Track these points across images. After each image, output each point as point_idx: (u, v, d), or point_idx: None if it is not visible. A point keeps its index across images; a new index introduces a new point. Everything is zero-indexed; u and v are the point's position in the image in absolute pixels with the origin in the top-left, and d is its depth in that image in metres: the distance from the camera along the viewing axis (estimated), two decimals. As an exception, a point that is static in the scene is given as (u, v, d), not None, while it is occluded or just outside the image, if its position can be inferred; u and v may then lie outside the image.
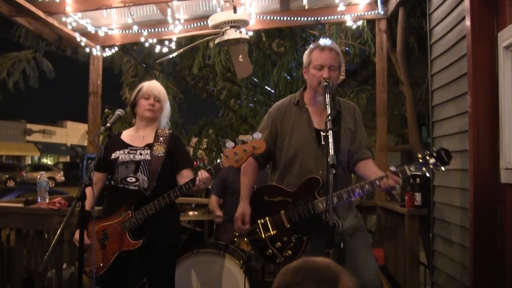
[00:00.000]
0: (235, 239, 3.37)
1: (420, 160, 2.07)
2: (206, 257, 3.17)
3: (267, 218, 2.34)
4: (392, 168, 2.10)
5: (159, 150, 2.50)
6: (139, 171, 2.45)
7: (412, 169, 2.08)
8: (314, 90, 2.33)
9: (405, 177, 2.10)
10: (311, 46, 2.39)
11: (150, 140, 2.55)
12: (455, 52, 2.84)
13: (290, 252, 2.27)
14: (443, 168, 2.05)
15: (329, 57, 2.28)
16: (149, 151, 2.50)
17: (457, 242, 2.80)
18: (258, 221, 2.36)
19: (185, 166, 2.55)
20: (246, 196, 2.42)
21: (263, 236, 2.33)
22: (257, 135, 2.16)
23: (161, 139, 2.55)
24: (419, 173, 2.09)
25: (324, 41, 2.35)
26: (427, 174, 2.10)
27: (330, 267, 1.08)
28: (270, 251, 2.31)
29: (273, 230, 2.31)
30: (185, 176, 2.49)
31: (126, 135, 2.61)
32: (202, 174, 2.28)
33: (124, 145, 2.53)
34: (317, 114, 2.36)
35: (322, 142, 2.10)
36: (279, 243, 2.29)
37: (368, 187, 2.16)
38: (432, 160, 2.04)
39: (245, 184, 2.45)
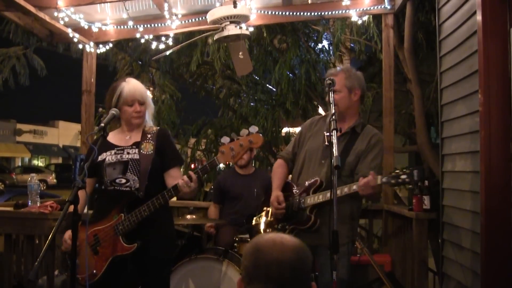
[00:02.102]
0: (235, 244, 3.31)
1: (393, 174, 2.28)
2: (204, 263, 3.13)
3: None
4: (371, 174, 2.29)
5: (148, 148, 2.44)
6: (128, 171, 2.38)
7: (384, 180, 2.28)
8: None
9: (374, 184, 2.26)
10: None
11: (138, 138, 2.49)
12: (466, 49, 2.80)
13: None
14: (410, 186, 2.32)
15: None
16: (137, 149, 2.43)
17: (467, 248, 2.76)
18: (265, 208, 2.76)
19: (174, 165, 2.49)
20: (278, 186, 2.67)
21: (263, 220, 2.70)
22: (253, 128, 2.15)
23: (148, 136, 2.48)
24: (389, 184, 2.30)
25: (335, 68, 2.75)
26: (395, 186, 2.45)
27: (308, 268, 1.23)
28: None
29: (270, 217, 2.68)
30: (173, 175, 2.43)
31: (112, 136, 2.53)
32: (186, 177, 2.27)
33: (111, 146, 2.46)
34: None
35: (326, 143, 2.44)
36: (270, 229, 2.63)
37: (345, 189, 2.39)
38: (403, 176, 2.23)
39: (275, 179, 2.71)
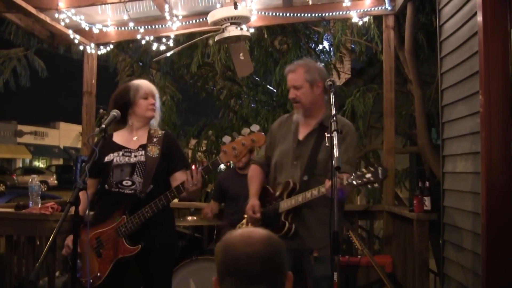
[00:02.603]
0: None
1: (358, 173, 2.20)
2: (205, 264, 3.14)
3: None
4: (340, 176, 2.20)
5: (154, 151, 2.44)
6: (135, 173, 2.38)
7: (349, 180, 2.21)
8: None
9: (339, 186, 2.14)
10: None
11: (144, 141, 2.49)
12: (466, 50, 2.79)
13: None
14: (376, 185, 2.21)
15: (291, 78, 2.52)
16: (143, 152, 2.44)
17: (468, 249, 2.75)
18: (245, 215, 2.62)
19: (179, 168, 2.48)
20: (255, 193, 2.58)
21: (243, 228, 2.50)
22: (255, 127, 2.15)
23: (154, 140, 2.49)
24: (356, 185, 2.22)
25: (294, 63, 2.61)
26: (361, 187, 2.30)
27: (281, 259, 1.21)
28: None
29: (247, 225, 2.62)
30: (178, 179, 2.42)
31: (118, 137, 2.53)
32: (194, 173, 2.25)
33: (118, 147, 2.46)
34: (305, 127, 2.55)
35: (327, 144, 2.23)
36: None
37: (315, 192, 2.32)
38: (368, 175, 2.17)
39: (251, 185, 2.63)
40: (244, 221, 2.72)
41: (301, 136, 2.53)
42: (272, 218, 2.46)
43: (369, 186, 2.22)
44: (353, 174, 2.21)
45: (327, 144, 2.13)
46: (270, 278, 1.16)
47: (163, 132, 2.57)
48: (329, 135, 2.10)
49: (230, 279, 1.15)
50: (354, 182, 2.19)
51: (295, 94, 2.50)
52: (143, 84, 2.53)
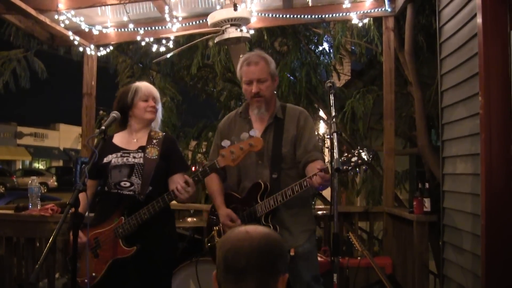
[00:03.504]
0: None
1: (343, 159, 2.11)
2: (205, 266, 3.10)
3: (220, 224, 2.45)
4: (318, 166, 2.18)
5: (153, 152, 2.44)
6: (133, 175, 2.38)
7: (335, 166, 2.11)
8: (250, 103, 2.48)
9: (327, 179, 2.13)
10: (241, 59, 2.50)
11: (143, 142, 2.49)
12: (466, 51, 2.79)
13: None
14: (364, 167, 2.14)
15: (256, 71, 2.39)
16: (142, 154, 2.43)
17: (468, 250, 2.75)
18: (215, 227, 2.49)
19: (178, 171, 2.47)
20: (222, 202, 2.48)
21: (217, 241, 2.45)
22: (254, 132, 2.13)
23: (154, 141, 2.49)
24: (343, 172, 2.12)
25: (252, 55, 2.47)
26: (351, 173, 2.21)
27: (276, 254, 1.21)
28: None
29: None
30: (176, 181, 2.41)
31: (118, 138, 2.54)
32: (180, 184, 2.23)
33: (116, 149, 2.46)
34: (259, 123, 2.48)
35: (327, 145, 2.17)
36: None
37: (297, 187, 2.24)
38: (354, 159, 2.10)
39: (216, 196, 2.52)
40: (215, 233, 2.51)
41: (258, 134, 2.37)
42: (250, 223, 2.37)
43: (357, 169, 2.13)
44: (340, 162, 2.09)
45: (326, 146, 2.12)
46: (257, 275, 1.15)
47: (163, 134, 2.57)
48: (329, 136, 2.07)
49: (221, 273, 1.18)
50: (345, 166, 2.09)
51: (259, 88, 2.38)
52: (143, 86, 2.53)
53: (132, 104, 2.49)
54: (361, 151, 2.10)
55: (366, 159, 2.09)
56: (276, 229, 2.30)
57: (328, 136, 2.14)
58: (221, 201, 2.47)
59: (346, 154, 2.14)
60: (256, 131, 2.17)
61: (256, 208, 2.34)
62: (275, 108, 2.49)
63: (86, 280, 2.29)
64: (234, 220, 2.37)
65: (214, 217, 2.54)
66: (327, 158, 3.08)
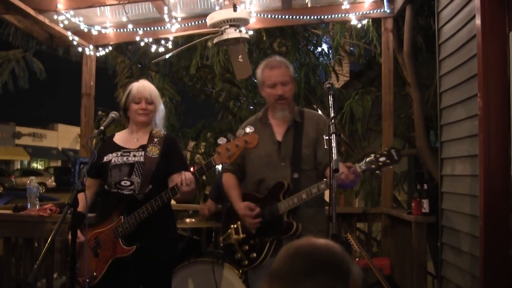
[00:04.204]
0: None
1: (372, 158, 2.20)
2: (204, 266, 3.12)
3: (238, 222, 2.49)
4: (348, 164, 2.26)
5: (153, 151, 2.44)
6: (133, 173, 2.38)
7: (362, 166, 2.22)
8: (273, 106, 2.53)
9: (357, 173, 2.21)
10: (261, 64, 2.57)
11: (144, 141, 2.48)
12: (465, 53, 2.78)
13: (254, 254, 2.42)
14: (391, 167, 2.25)
15: (280, 74, 2.46)
16: (143, 152, 2.43)
17: (466, 251, 2.75)
18: (232, 225, 2.52)
19: (177, 170, 2.45)
20: (239, 197, 2.51)
21: (234, 240, 2.48)
22: (250, 129, 2.14)
23: (155, 140, 2.48)
24: (369, 170, 2.24)
25: (272, 59, 2.55)
26: (377, 172, 2.31)
27: (343, 257, 1.02)
28: (239, 254, 2.46)
29: (242, 233, 2.47)
30: (175, 181, 2.41)
31: (119, 138, 2.54)
32: (185, 175, 2.23)
33: (117, 148, 2.46)
34: (279, 127, 2.54)
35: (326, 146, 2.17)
36: (247, 246, 2.45)
37: (323, 186, 2.30)
38: (382, 158, 2.18)
39: (233, 192, 2.56)
40: (232, 231, 2.52)
41: (279, 137, 2.51)
42: (270, 220, 2.39)
43: (383, 169, 2.24)
44: (366, 161, 2.23)
45: (325, 147, 2.13)
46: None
47: (165, 133, 2.56)
48: (327, 137, 2.09)
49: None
50: (373, 166, 2.19)
51: (283, 91, 2.45)
52: (136, 87, 2.49)
53: (126, 106, 2.49)
54: (391, 151, 2.18)
55: (396, 159, 2.18)
56: (298, 227, 2.36)
57: (327, 137, 2.10)
58: (238, 195, 2.51)
59: (374, 154, 2.23)
60: (252, 128, 2.19)
61: (279, 206, 2.38)
62: (294, 111, 2.55)
63: (86, 279, 2.29)
64: (253, 209, 2.40)
65: (231, 215, 2.55)
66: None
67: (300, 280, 0.97)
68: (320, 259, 1.00)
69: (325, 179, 2.31)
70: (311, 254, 1.01)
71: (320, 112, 5.74)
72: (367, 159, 2.22)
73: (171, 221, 2.56)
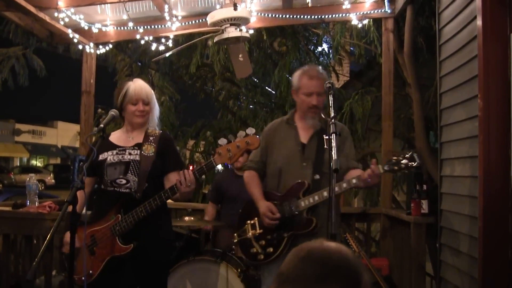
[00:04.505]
0: (233, 246, 3.28)
1: (393, 160, 2.33)
2: (202, 265, 3.11)
3: (256, 218, 2.58)
4: (373, 165, 2.35)
5: (149, 149, 2.43)
6: (129, 172, 2.37)
7: (386, 168, 2.34)
8: (304, 113, 2.63)
9: (378, 175, 2.32)
10: (301, 71, 2.66)
11: (140, 140, 2.48)
12: (466, 53, 2.78)
13: (271, 249, 2.50)
14: (413, 164, 2.30)
15: (318, 85, 2.54)
16: (138, 151, 2.42)
17: (465, 252, 2.74)
18: (248, 221, 2.61)
19: (173, 169, 2.44)
20: (261, 195, 2.60)
21: (250, 234, 2.56)
22: (251, 130, 2.15)
23: (151, 138, 2.47)
24: (391, 171, 2.36)
25: (312, 69, 2.64)
26: (398, 174, 2.44)
27: (355, 263, 1.00)
28: (255, 249, 2.53)
29: (259, 229, 2.55)
30: (171, 180, 2.41)
31: (115, 136, 2.53)
32: (186, 176, 2.22)
33: (113, 146, 2.45)
34: (305, 130, 2.64)
35: (325, 146, 2.23)
36: (263, 241, 2.53)
37: (345, 185, 2.42)
38: (404, 161, 2.29)
39: (255, 190, 2.64)
40: (249, 226, 2.61)
41: (304, 140, 2.61)
42: (289, 217, 2.48)
43: (405, 171, 2.35)
44: (388, 162, 2.34)
45: (325, 146, 2.19)
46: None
47: (160, 131, 2.55)
48: (327, 137, 2.14)
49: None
50: (395, 167, 2.30)
51: (318, 101, 2.56)
52: (133, 88, 2.44)
53: (122, 107, 2.46)
54: (413, 154, 2.29)
55: (418, 161, 2.27)
56: (317, 223, 2.44)
57: (327, 137, 2.14)
58: (260, 194, 2.60)
59: (395, 157, 2.33)
60: (253, 130, 2.21)
61: (299, 202, 2.46)
62: (322, 120, 2.63)
63: (83, 278, 2.28)
64: (274, 213, 2.48)
65: (249, 212, 2.64)
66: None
67: (311, 285, 0.96)
68: (332, 265, 0.98)
69: (351, 178, 2.41)
70: (323, 259, 1.00)
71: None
72: (391, 161, 2.33)
73: (167, 220, 2.55)
